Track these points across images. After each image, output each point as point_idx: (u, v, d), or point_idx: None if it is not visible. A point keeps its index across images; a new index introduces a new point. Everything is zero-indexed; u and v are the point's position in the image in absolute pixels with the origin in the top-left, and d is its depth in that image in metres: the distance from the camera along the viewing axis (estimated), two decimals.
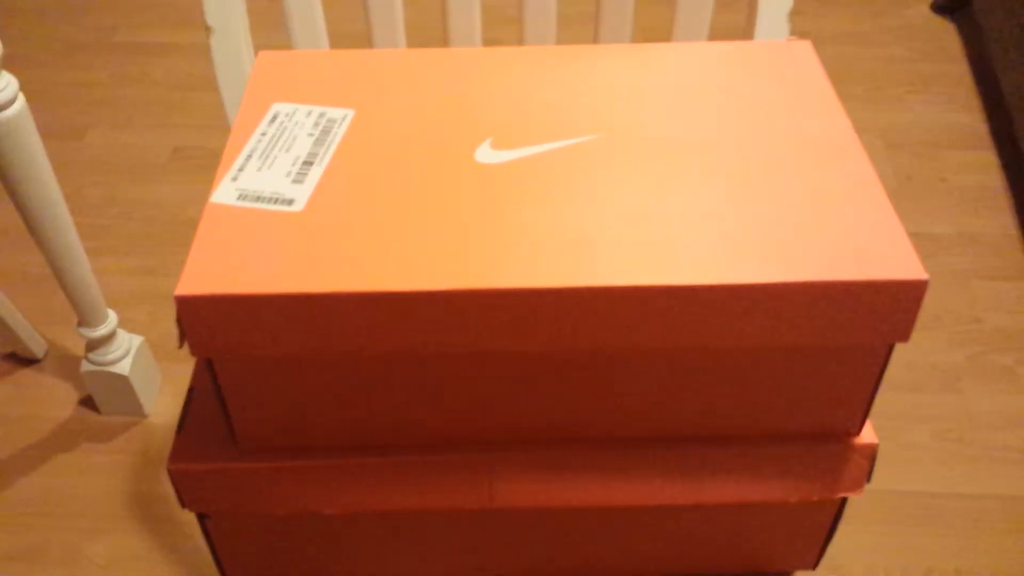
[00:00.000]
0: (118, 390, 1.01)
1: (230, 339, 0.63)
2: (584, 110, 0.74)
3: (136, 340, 1.01)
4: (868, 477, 0.75)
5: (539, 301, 0.62)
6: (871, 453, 0.73)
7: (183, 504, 0.74)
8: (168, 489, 0.97)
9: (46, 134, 0.82)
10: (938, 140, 1.39)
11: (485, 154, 0.70)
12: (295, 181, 0.67)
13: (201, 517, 0.77)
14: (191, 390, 0.76)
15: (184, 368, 1.08)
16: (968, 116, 1.43)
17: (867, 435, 0.73)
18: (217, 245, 0.63)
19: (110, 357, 0.98)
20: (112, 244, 1.24)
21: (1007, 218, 1.27)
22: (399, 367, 0.67)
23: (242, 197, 0.66)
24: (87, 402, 1.05)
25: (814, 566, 0.87)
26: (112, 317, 0.97)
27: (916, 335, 1.11)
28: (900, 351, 1.09)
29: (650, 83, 0.77)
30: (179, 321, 0.61)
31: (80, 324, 0.95)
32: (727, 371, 0.68)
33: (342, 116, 0.73)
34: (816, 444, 0.73)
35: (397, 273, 0.61)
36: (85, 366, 0.99)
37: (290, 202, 0.66)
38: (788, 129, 0.72)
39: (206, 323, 0.62)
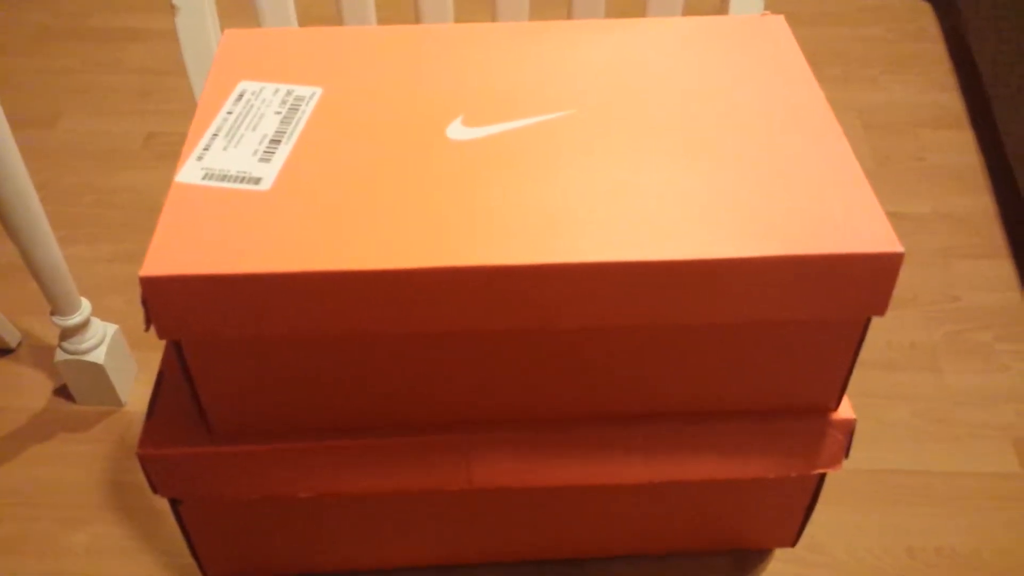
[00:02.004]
0: (93, 379, 1.00)
1: (197, 320, 0.62)
2: (557, 86, 0.74)
3: (111, 328, 1.00)
4: (846, 453, 0.75)
5: (513, 278, 0.61)
6: (849, 428, 0.73)
7: (154, 490, 0.73)
8: None
9: (17, 122, 0.80)
10: (915, 119, 1.39)
11: (456, 131, 0.69)
12: (262, 160, 0.67)
13: (173, 503, 0.76)
14: (160, 374, 0.76)
15: (160, 356, 1.07)
16: (945, 95, 1.43)
17: (845, 410, 0.73)
18: (183, 225, 0.62)
19: (84, 346, 0.97)
20: (86, 232, 1.23)
21: (984, 196, 1.27)
22: (372, 347, 0.66)
23: (208, 176, 0.66)
24: (62, 392, 1.04)
25: (793, 543, 0.87)
26: (86, 305, 0.95)
27: (894, 314, 1.11)
28: (878, 330, 1.09)
29: (623, 58, 0.77)
30: (144, 302, 0.60)
31: (53, 313, 0.94)
32: (704, 347, 0.68)
33: (310, 94, 0.72)
34: (794, 420, 0.73)
35: (367, 252, 0.60)
36: (59, 355, 0.98)
37: (257, 181, 0.65)
38: (762, 103, 0.72)
39: (172, 304, 0.61)
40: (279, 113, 0.70)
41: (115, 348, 1.00)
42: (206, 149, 0.68)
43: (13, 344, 1.09)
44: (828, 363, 0.69)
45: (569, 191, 0.65)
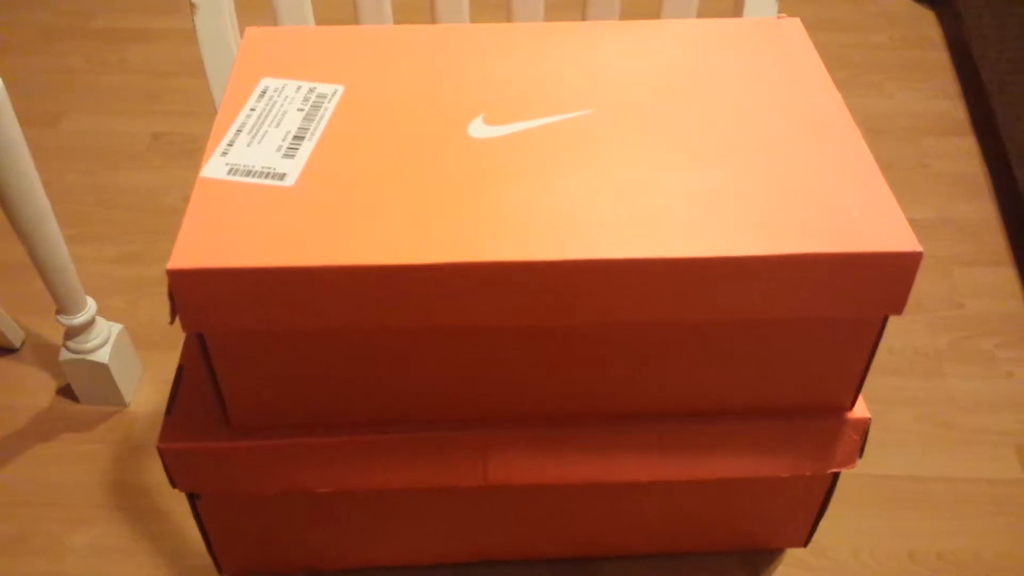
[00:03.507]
0: (97, 379, 0.99)
1: (221, 313, 0.62)
2: (577, 85, 0.74)
3: (115, 328, 1.00)
4: (860, 452, 0.75)
5: (532, 274, 0.61)
6: (864, 428, 0.73)
7: (173, 484, 0.73)
8: (150, 478, 0.96)
9: (23, 121, 0.80)
10: (919, 126, 1.40)
11: (478, 129, 0.69)
12: (286, 156, 0.67)
13: (191, 497, 0.76)
14: (180, 368, 0.75)
15: (164, 357, 1.07)
16: (949, 103, 1.45)
17: (860, 410, 0.73)
18: (209, 219, 0.62)
19: (89, 345, 0.97)
20: (91, 231, 1.22)
21: (988, 204, 1.28)
22: (392, 343, 0.66)
23: (233, 171, 0.66)
24: (66, 391, 1.04)
25: (805, 543, 0.87)
26: (91, 305, 0.95)
27: (898, 320, 1.11)
28: (883, 336, 1.09)
29: (642, 59, 0.77)
30: (171, 295, 0.60)
31: (58, 312, 0.93)
32: (722, 345, 0.68)
33: (332, 91, 0.73)
34: (809, 419, 0.73)
35: (390, 247, 0.61)
36: (64, 355, 0.97)
37: (281, 176, 0.65)
38: (780, 103, 0.73)
39: (197, 297, 0.61)
40: (302, 110, 0.71)
41: (120, 348, 1.00)
42: (230, 144, 0.68)
43: (17, 343, 1.09)
44: (844, 362, 0.70)
45: (589, 189, 0.65)
